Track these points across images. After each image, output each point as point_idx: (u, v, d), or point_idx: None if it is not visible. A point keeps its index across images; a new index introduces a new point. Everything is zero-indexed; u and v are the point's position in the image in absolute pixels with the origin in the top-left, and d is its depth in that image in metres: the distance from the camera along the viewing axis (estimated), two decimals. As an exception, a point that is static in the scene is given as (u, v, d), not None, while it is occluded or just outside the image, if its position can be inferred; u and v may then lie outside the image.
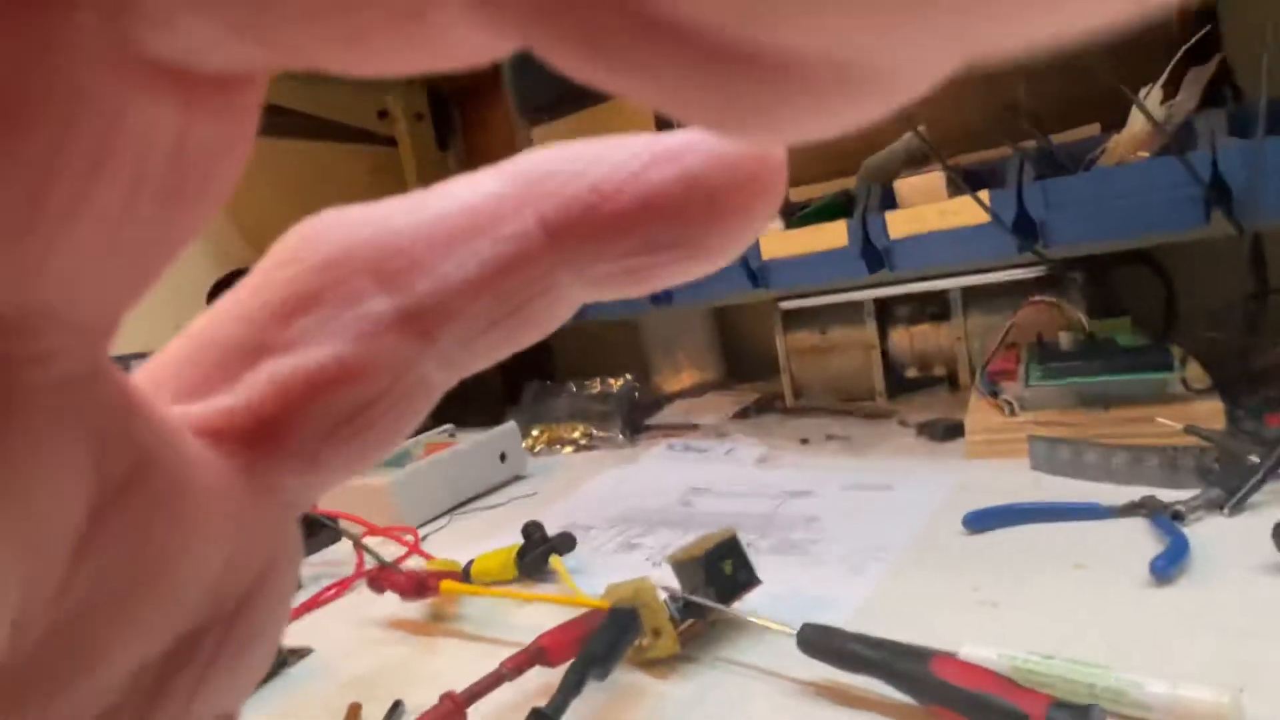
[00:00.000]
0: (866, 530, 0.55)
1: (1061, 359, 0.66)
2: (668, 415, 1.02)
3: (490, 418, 0.91)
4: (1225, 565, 0.42)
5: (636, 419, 1.01)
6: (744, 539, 0.42)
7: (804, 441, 0.82)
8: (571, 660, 0.35)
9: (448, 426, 0.85)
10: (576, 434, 0.98)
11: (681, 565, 0.40)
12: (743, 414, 0.97)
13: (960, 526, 0.51)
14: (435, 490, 0.72)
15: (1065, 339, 0.69)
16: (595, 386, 1.06)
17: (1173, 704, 0.29)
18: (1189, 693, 0.29)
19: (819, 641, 0.34)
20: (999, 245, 0.70)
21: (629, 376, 1.06)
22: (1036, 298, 0.71)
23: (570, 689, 0.31)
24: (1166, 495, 0.50)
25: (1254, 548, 0.41)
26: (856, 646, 0.33)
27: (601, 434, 0.97)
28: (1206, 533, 0.46)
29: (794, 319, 1.01)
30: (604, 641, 0.34)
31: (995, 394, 0.68)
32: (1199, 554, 0.43)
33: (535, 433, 1.00)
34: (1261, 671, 0.31)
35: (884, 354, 0.94)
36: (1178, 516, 0.48)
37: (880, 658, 0.32)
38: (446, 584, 0.46)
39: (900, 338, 0.93)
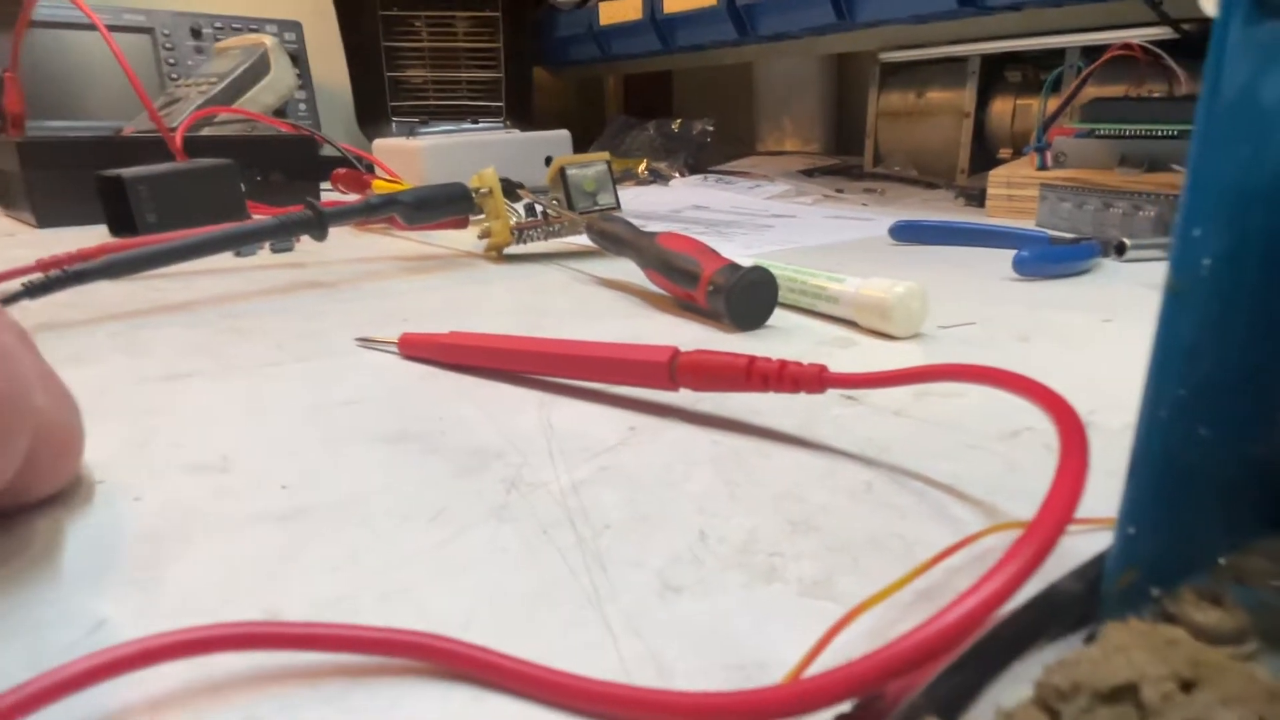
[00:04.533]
0: (797, 234, 0.54)
1: (1119, 111, 0.56)
2: (736, 164, 1.00)
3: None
4: (1095, 284, 0.37)
5: (703, 161, 1.00)
6: (683, 227, 0.42)
7: (838, 191, 0.78)
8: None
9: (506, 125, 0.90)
10: (641, 167, 1.00)
11: (555, 173, 0.43)
12: (808, 173, 0.92)
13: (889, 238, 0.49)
14: (465, 165, 0.78)
15: (1140, 93, 0.58)
16: (675, 126, 1.05)
17: (853, 296, 0.28)
18: (866, 288, 0.28)
19: (594, 225, 0.36)
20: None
21: (709, 123, 1.03)
22: (1128, 40, 0.59)
23: (361, 210, 0.36)
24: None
25: (1139, 279, 0.36)
26: (617, 227, 0.35)
27: (663, 169, 0.97)
28: (1125, 267, 0.40)
29: (893, 77, 0.91)
30: (424, 192, 0.39)
31: (1042, 150, 0.60)
32: (1093, 277, 0.39)
33: (603, 159, 1.02)
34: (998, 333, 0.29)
35: (980, 127, 0.84)
36: (1120, 249, 0.42)
37: (628, 234, 0.34)
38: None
39: (1002, 109, 0.82)
